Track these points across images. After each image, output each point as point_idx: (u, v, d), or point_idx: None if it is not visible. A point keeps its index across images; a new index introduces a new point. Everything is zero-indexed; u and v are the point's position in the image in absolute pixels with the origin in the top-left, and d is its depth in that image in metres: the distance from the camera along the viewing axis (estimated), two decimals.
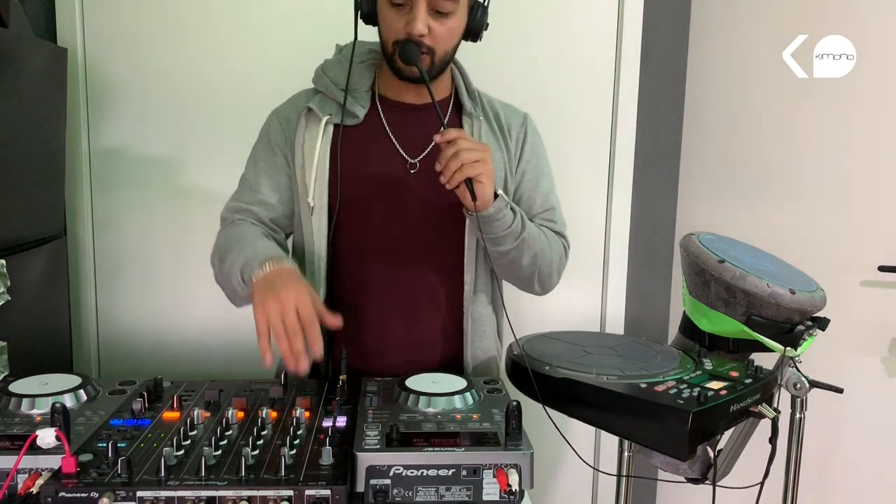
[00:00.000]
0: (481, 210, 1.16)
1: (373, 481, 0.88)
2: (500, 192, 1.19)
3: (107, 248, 1.85)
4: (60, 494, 0.78)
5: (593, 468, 1.12)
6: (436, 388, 1.08)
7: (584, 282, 1.98)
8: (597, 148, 1.93)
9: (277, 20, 1.79)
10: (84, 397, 1.06)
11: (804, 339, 1.11)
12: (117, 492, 0.79)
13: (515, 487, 0.87)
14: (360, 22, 1.27)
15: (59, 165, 1.61)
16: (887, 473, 1.92)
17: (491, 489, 0.89)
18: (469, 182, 1.12)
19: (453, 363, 1.33)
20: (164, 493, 0.80)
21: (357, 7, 1.25)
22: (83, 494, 0.79)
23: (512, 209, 1.22)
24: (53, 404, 0.89)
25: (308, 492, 0.80)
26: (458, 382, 1.11)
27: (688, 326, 1.26)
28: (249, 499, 0.80)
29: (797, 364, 1.15)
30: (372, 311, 1.29)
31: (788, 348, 1.11)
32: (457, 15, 1.19)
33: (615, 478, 1.31)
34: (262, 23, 1.80)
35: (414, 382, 1.11)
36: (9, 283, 1.31)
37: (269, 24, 1.80)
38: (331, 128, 1.27)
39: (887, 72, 1.79)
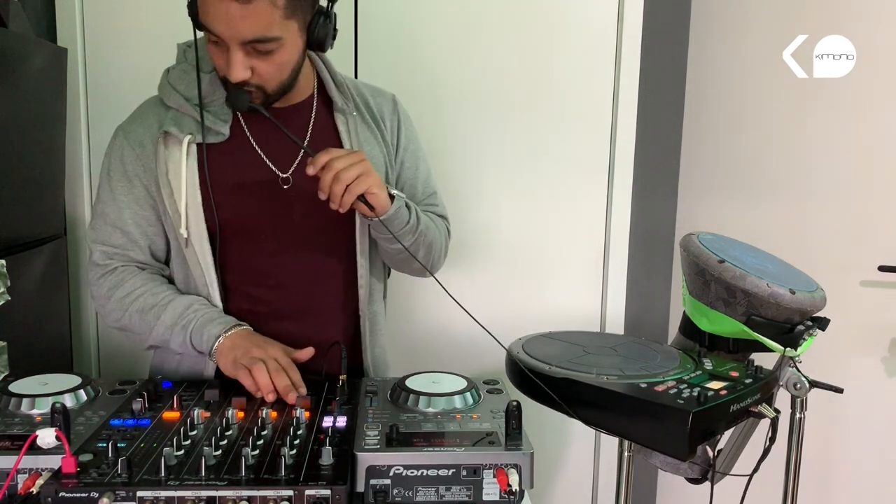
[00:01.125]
0: (381, 215, 1.14)
1: (373, 481, 0.88)
2: (394, 192, 1.17)
3: None
4: (60, 494, 0.78)
5: (595, 428, 1.10)
6: (436, 388, 1.08)
7: (584, 282, 1.98)
8: (597, 148, 1.94)
9: None
10: (84, 397, 1.06)
11: (804, 339, 1.11)
12: (117, 492, 0.79)
13: (515, 487, 0.87)
14: None
15: (59, 165, 1.61)
16: (887, 473, 1.91)
17: (491, 489, 0.89)
18: (361, 197, 1.10)
19: (355, 366, 1.31)
20: (164, 493, 0.80)
21: (194, 29, 1.13)
22: (83, 494, 0.79)
23: (406, 205, 1.20)
24: (53, 404, 0.89)
25: (308, 492, 0.80)
26: (458, 382, 1.12)
27: (688, 326, 1.26)
28: (249, 499, 0.80)
29: (797, 364, 1.14)
30: (268, 326, 1.23)
31: (788, 348, 1.11)
32: (284, 47, 1.09)
33: (615, 478, 1.31)
34: None
35: (414, 382, 1.11)
36: (9, 283, 1.31)
37: None
38: (193, 148, 1.18)
39: (887, 72, 1.79)
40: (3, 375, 1.23)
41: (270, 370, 1.09)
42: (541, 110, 1.89)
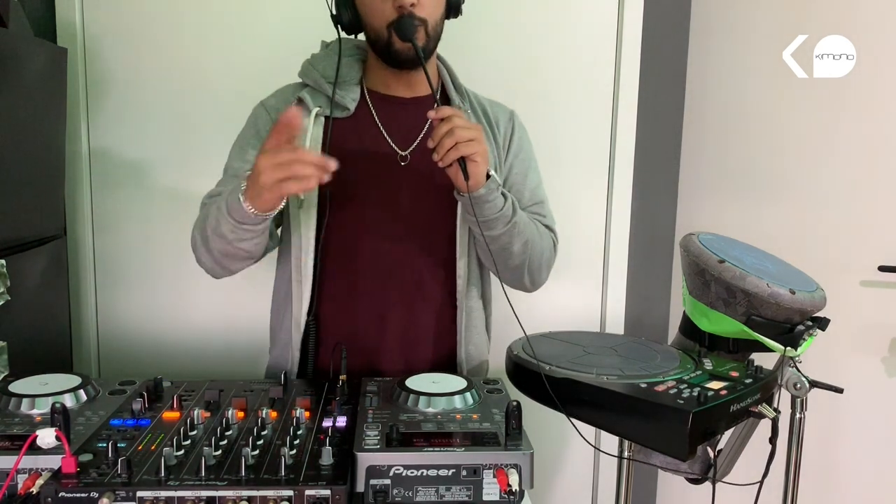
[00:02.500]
0: (473, 190, 1.14)
1: (373, 481, 0.88)
2: (492, 172, 1.17)
3: (107, 248, 1.85)
4: (60, 494, 0.78)
5: (595, 447, 1.11)
6: (436, 388, 1.08)
7: (584, 282, 1.98)
8: (597, 148, 1.94)
9: (278, 19, 1.79)
10: (84, 397, 1.06)
11: (804, 339, 1.11)
12: (117, 492, 0.79)
13: (515, 487, 0.87)
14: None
15: (59, 165, 1.61)
16: (887, 473, 1.92)
17: (491, 489, 0.89)
18: (462, 161, 1.10)
19: (447, 358, 1.32)
20: (164, 493, 0.80)
21: (336, 21, 1.26)
22: (83, 494, 0.79)
23: (503, 194, 1.21)
24: (53, 404, 0.89)
25: (308, 492, 0.80)
26: (458, 382, 1.11)
27: (688, 326, 1.26)
28: (249, 499, 0.80)
29: (797, 364, 1.14)
30: (364, 308, 1.28)
31: (788, 348, 1.11)
32: None
33: (615, 478, 1.31)
34: (262, 22, 1.80)
35: (414, 382, 1.11)
36: (9, 283, 1.31)
37: (268, 24, 1.80)
38: (321, 120, 1.26)
39: (887, 72, 1.79)
40: (3, 375, 1.23)
41: (289, 155, 1.04)
42: (541, 110, 1.89)
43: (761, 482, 1.11)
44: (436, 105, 1.13)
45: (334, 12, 1.27)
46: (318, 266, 1.27)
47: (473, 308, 1.34)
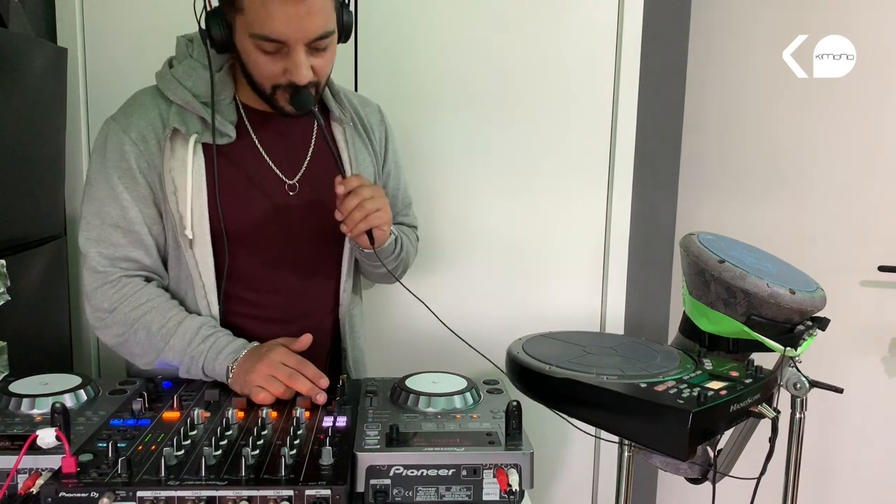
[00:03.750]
0: (378, 249, 1.20)
1: (373, 481, 0.88)
2: (393, 228, 1.24)
3: None
4: (60, 494, 0.78)
5: (595, 437, 1.11)
6: (436, 388, 1.08)
7: (584, 282, 1.98)
8: (597, 148, 1.93)
9: None
10: (84, 397, 1.06)
11: (804, 339, 1.11)
12: (117, 492, 0.79)
13: (515, 487, 0.87)
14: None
15: (59, 165, 1.61)
16: (887, 473, 1.92)
17: (491, 489, 0.89)
18: (370, 231, 1.15)
19: (335, 363, 1.36)
20: (164, 493, 0.80)
21: (204, 37, 1.12)
22: (83, 494, 0.79)
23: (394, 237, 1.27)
24: (53, 404, 0.89)
25: (308, 492, 0.81)
26: (459, 382, 1.12)
27: (688, 326, 1.26)
28: (249, 499, 0.80)
29: (797, 364, 1.14)
30: (260, 334, 1.22)
31: (788, 348, 1.11)
32: (333, 41, 1.12)
33: (615, 478, 1.31)
34: None
35: (414, 382, 1.11)
36: (9, 283, 1.31)
37: None
38: (199, 147, 1.15)
39: (887, 72, 1.79)
40: (3, 375, 1.23)
41: (284, 378, 1.07)
42: (540, 110, 1.89)
43: (758, 480, 1.11)
44: (339, 179, 1.13)
45: (203, 27, 1.11)
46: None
47: (353, 315, 1.39)
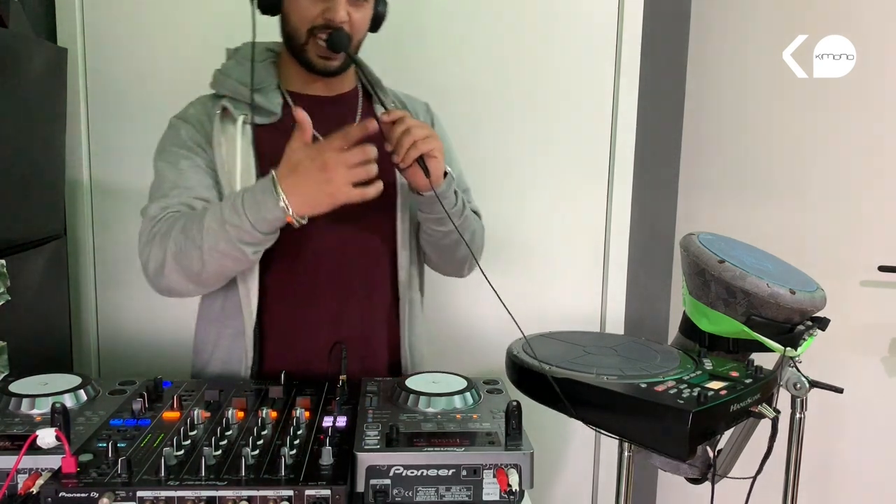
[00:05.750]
0: (436, 186, 1.13)
1: (373, 481, 0.88)
2: (448, 168, 1.18)
3: (107, 248, 1.85)
4: (60, 494, 0.78)
5: (596, 430, 1.09)
6: (436, 388, 1.08)
7: (584, 282, 1.98)
8: (597, 147, 1.94)
9: (277, 20, 1.79)
10: (84, 397, 1.06)
11: (804, 339, 1.11)
12: (117, 492, 0.79)
13: (515, 487, 0.87)
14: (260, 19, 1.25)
15: (59, 165, 1.61)
16: (887, 473, 1.92)
17: (491, 489, 0.89)
18: (421, 159, 1.10)
19: (393, 349, 1.32)
20: (164, 493, 0.80)
21: None
22: (83, 494, 0.79)
23: (454, 190, 1.22)
24: (53, 404, 0.89)
25: (308, 492, 0.81)
26: (459, 382, 1.12)
27: (688, 326, 1.26)
28: (249, 499, 0.80)
29: (797, 364, 1.14)
30: (311, 309, 1.24)
31: (788, 348, 1.11)
32: (369, 2, 1.20)
33: (615, 478, 1.31)
34: (262, 22, 1.79)
35: (414, 382, 1.11)
36: (9, 283, 1.31)
37: (270, 23, 1.79)
38: (248, 128, 1.22)
39: (887, 72, 1.79)
40: (3, 375, 1.23)
41: (346, 161, 1.03)
42: (540, 110, 1.89)
43: (753, 479, 1.11)
44: (382, 113, 1.12)
45: None
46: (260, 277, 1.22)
47: (415, 300, 1.35)
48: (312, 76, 1.25)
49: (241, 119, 1.21)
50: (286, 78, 1.29)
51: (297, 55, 1.23)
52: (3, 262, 1.29)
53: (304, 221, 1.09)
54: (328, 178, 1.04)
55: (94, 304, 1.87)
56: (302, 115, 1.07)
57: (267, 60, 1.29)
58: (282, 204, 1.05)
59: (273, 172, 1.08)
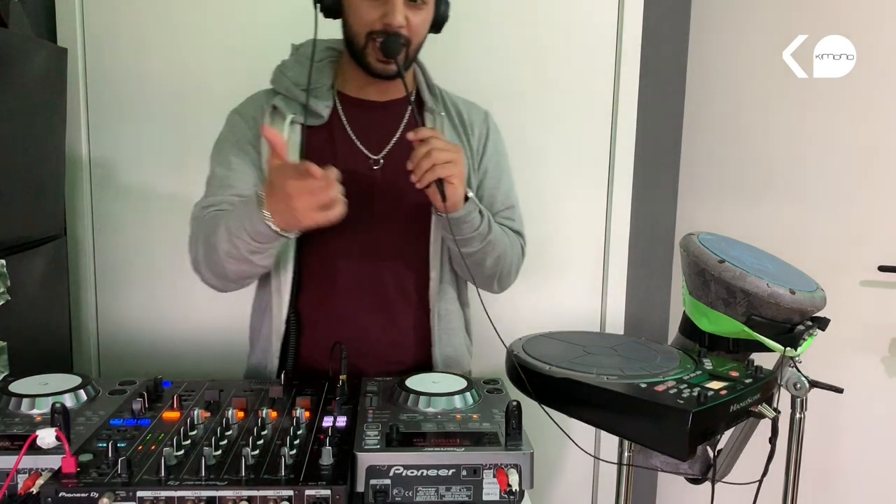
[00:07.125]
0: (451, 211, 1.15)
1: (373, 481, 0.88)
2: (470, 194, 1.19)
3: (107, 248, 1.85)
4: (60, 494, 0.78)
5: (594, 457, 1.10)
6: (436, 388, 1.08)
7: (584, 282, 1.98)
8: (597, 148, 1.94)
9: (278, 20, 1.79)
10: (84, 397, 1.06)
11: (804, 339, 1.11)
12: (117, 492, 0.79)
13: (515, 487, 0.87)
14: (322, 20, 1.25)
15: (59, 165, 1.61)
16: (887, 473, 1.92)
17: (491, 489, 0.89)
18: (440, 183, 1.11)
19: (424, 361, 1.32)
20: (164, 493, 0.80)
21: (317, 1, 1.23)
22: (83, 494, 0.79)
23: (480, 211, 1.22)
24: (53, 404, 0.89)
25: (308, 492, 0.80)
26: (458, 382, 1.11)
27: (688, 326, 1.26)
28: (249, 499, 0.80)
29: (797, 364, 1.14)
30: (342, 312, 1.27)
31: (788, 348, 1.11)
32: (429, 5, 1.20)
33: (615, 478, 1.31)
34: (263, 22, 1.80)
35: (414, 382, 1.11)
36: (9, 283, 1.31)
37: (270, 24, 1.80)
38: (297, 127, 1.25)
39: (887, 72, 1.79)
40: (3, 375, 1.23)
41: (307, 189, 1.05)
42: (541, 110, 1.89)
43: (760, 481, 1.11)
44: (413, 130, 1.12)
45: None
46: (296, 273, 1.26)
47: (450, 311, 1.34)
48: (370, 79, 1.25)
49: (289, 118, 1.23)
50: (342, 79, 1.30)
51: (356, 58, 1.23)
52: (3, 262, 1.29)
53: (292, 236, 1.14)
54: (293, 205, 1.06)
55: (94, 304, 1.87)
56: (272, 135, 1.09)
57: (325, 60, 1.30)
58: (266, 221, 1.09)
59: (260, 189, 1.11)
